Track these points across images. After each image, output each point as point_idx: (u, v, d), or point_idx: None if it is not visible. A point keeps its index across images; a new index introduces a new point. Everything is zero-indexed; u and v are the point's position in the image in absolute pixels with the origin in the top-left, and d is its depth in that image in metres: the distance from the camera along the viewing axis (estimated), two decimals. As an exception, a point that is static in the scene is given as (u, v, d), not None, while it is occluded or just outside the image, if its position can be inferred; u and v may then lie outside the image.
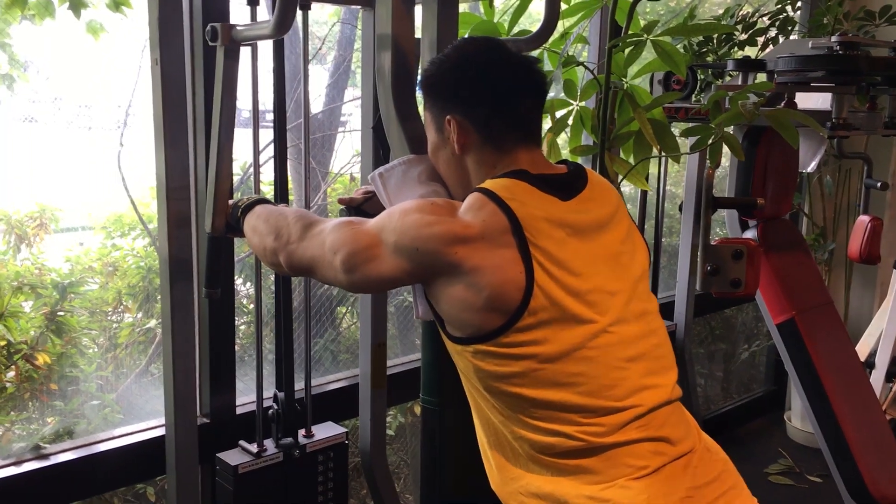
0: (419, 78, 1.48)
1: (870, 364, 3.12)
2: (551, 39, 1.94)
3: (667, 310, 2.96)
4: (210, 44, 1.64)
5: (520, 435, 1.28)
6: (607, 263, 1.33)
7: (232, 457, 1.85)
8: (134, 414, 2.19)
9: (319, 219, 1.43)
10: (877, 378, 3.07)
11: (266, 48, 1.81)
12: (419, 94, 1.67)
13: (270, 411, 1.92)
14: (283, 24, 1.49)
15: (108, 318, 2.30)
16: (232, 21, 1.80)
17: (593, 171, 1.45)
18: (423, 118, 1.47)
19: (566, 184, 1.36)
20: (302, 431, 1.97)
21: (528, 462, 1.30)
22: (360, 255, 1.30)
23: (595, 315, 1.27)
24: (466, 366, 1.31)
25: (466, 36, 1.55)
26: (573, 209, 1.33)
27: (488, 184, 1.31)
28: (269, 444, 1.90)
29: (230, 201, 1.67)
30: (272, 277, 2.10)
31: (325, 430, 2.00)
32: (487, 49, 1.40)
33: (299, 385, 1.99)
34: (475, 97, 1.36)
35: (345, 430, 2.02)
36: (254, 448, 1.87)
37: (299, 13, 1.81)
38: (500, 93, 1.36)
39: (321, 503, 1.97)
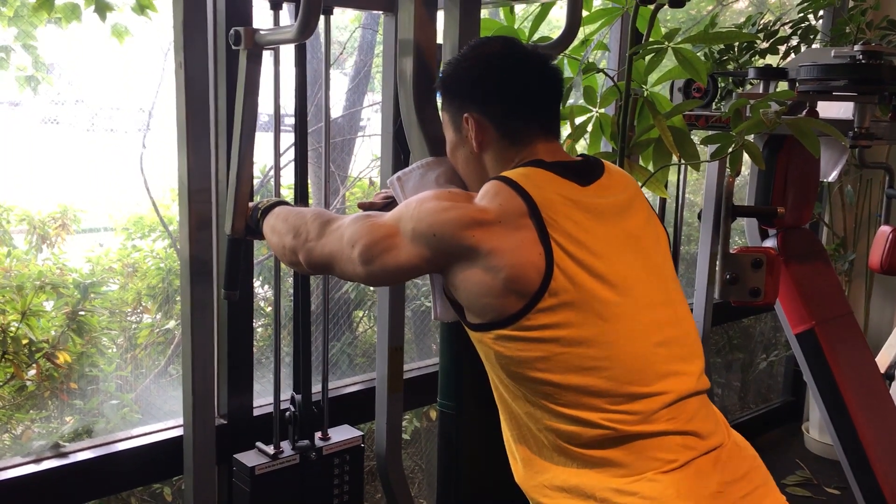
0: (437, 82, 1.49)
1: (889, 376, 3.09)
2: (572, 46, 1.95)
3: (684, 318, 2.94)
4: (233, 48, 1.65)
5: (545, 425, 1.27)
6: (629, 247, 1.33)
7: (249, 458, 1.86)
8: (152, 414, 2.21)
9: (337, 216, 1.44)
10: (896, 390, 3.05)
11: (288, 52, 1.82)
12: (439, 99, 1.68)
13: (287, 413, 1.92)
14: (306, 28, 1.51)
15: (128, 318, 2.31)
16: (255, 25, 1.81)
17: (610, 162, 1.45)
18: (441, 118, 1.48)
19: (584, 171, 1.36)
20: (318, 434, 1.98)
21: (554, 454, 1.28)
22: (378, 245, 1.32)
23: (619, 298, 1.27)
24: (488, 354, 1.30)
25: (480, 38, 1.56)
26: (591, 194, 1.33)
27: (504, 173, 1.32)
28: (285, 445, 1.91)
29: (250, 204, 1.68)
30: (290, 280, 2.10)
31: (342, 433, 2.01)
32: (503, 47, 1.41)
33: (316, 388, 1.99)
34: (492, 95, 1.37)
35: (361, 433, 2.02)
36: (270, 450, 1.88)
37: (322, 18, 1.83)
38: (516, 90, 1.37)
39: (337, 506, 1.98)
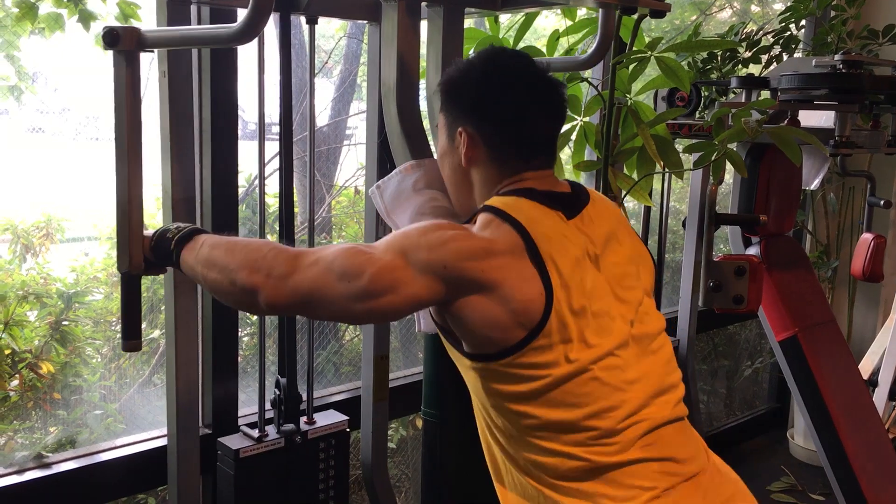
0: (440, 79, 1.44)
1: (872, 382, 3.12)
2: (556, 54, 1.96)
3: (669, 326, 2.95)
4: (105, 49, 1.42)
5: (527, 458, 1.28)
6: (611, 286, 1.33)
7: (233, 441, 1.84)
8: (136, 424, 2.19)
9: (304, 249, 1.33)
10: (879, 397, 3.07)
11: (272, 61, 1.82)
12: (424, 106, 1.68)
13: (272, 397, 1.91)
14: (249, 32, 1.25)
15: (112, 328, 2.30)
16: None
17: (593, 189, 1.45)
18: (437, 119, 1.44)
19: (571, 202, 1.36)
20: (304, 418, 1.97)
21: (538, 482, 1.28)
22: (384, 280, 1.22)
23: (600, 339, 1.27)
24: (476, 384, 1.30)
25: (496, 47, 1.47)
26: (577, 227, 1.33)
27: (496, 202, 1.30)
28: (270, 429, 1.89)
29: (146, 232, 1.48)
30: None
31: (327, 418, 2.00)
32: (515, 66, 1.37)
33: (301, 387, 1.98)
34: (491, 115, 1.34)
35: (346, 417, 2.01)
36: (255, 433, 1.86)
37: (307, 27, 1.84)
38: (516, 115, 1.34)
39: (322, 490, 1.97)
